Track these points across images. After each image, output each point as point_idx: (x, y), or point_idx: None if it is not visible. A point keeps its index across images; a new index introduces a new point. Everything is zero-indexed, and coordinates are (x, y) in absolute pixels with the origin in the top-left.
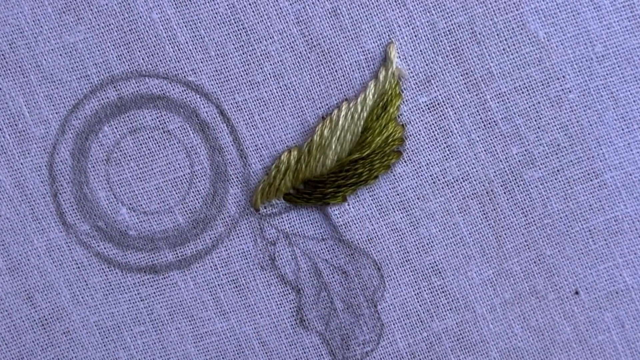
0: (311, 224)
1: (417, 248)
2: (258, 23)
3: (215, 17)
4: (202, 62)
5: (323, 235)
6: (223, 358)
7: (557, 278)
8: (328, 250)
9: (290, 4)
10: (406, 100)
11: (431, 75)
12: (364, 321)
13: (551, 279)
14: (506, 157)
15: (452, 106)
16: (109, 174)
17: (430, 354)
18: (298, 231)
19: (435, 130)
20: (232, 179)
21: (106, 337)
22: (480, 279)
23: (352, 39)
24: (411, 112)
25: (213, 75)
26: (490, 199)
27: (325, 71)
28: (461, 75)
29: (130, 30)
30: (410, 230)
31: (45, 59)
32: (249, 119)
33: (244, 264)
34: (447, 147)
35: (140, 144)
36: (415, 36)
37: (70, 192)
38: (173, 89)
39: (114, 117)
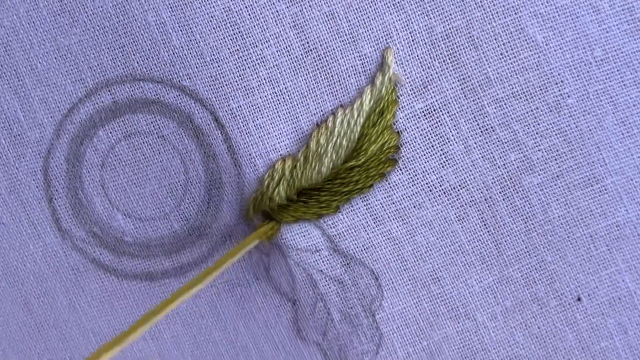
0: (304, 235)
1: (415, 257)
2: (254, 27)
3: (210, 21)
4: (197, 66)
5: (317, 247)
6: None
7: (559, 285)
8: (323, 261)
9: (287, 7)
10: (402, 107)
11: (428, 81)
12: (362, 331)
13: (552, 285)
14: (504, 163)
15: (448, 112)
16: (104, 179)
17: None
18: (290, 243)
19: (432, 137)
20: (227, 186)
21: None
22: (480, 287)
23: (349, 43)
24: (407, 119)
25: (208, 81)
26: (489, 206)
27: (321, 76)
28: (458, 81)
29: (125, 33)
30: (407, 239)
31: (40, 62)
32: (243, 126)
33: (239, 273)
34: (443, 154)
35: (135, 149)
36: (413, 40)
37: (65, 197)
38: (167, 94)
39: (109, 122)
